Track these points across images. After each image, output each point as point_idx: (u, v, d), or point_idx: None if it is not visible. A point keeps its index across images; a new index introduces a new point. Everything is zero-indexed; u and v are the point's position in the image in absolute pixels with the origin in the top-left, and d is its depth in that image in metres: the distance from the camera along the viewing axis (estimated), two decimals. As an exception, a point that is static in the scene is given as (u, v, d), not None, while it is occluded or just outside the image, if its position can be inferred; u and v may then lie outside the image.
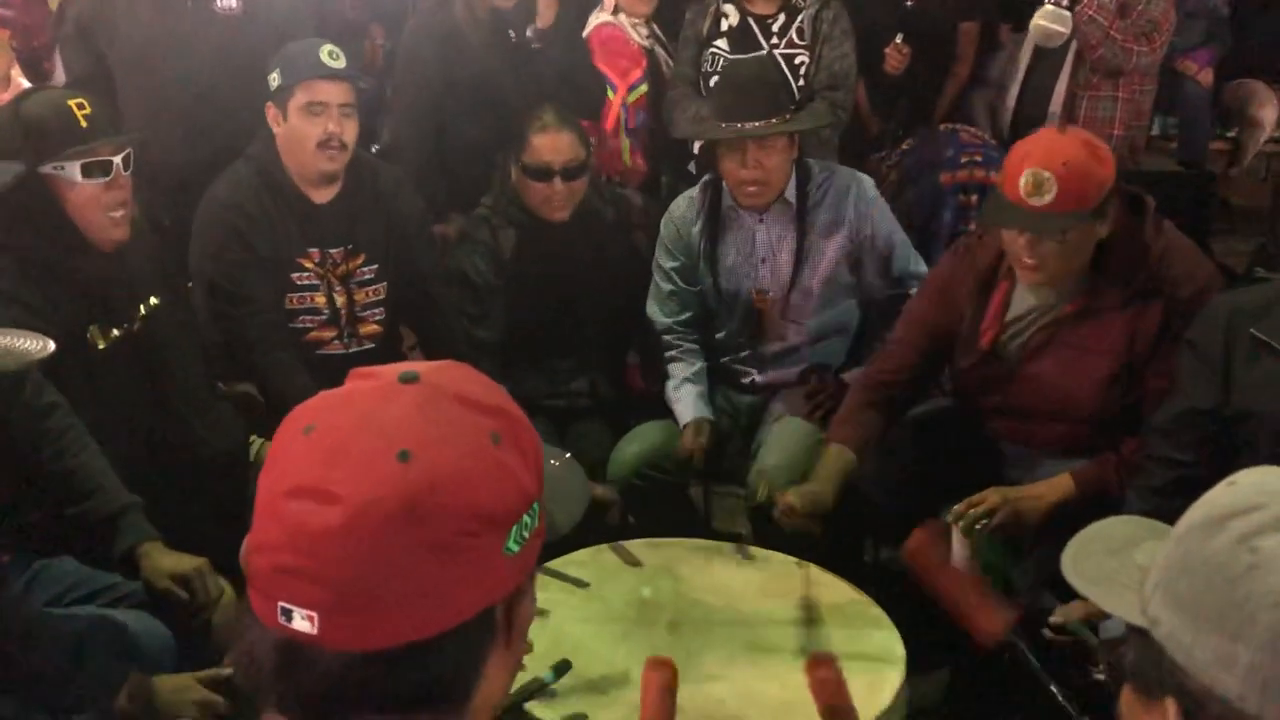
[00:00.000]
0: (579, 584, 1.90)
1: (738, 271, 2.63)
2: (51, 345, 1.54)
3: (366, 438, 0.70)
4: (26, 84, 3.31)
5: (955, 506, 2.10)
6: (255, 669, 0.72)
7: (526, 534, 0.74)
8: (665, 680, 1.24)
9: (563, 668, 1.59)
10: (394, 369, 0.76)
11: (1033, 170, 1.99)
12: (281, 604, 0.69)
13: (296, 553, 0.69)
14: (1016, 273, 2.16)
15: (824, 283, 2.60)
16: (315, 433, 0.71)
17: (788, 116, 2.50)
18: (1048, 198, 1.98)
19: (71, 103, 1.99)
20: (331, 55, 2.40)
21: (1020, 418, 2.27)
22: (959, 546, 2.12)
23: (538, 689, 1.57)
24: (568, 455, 1.99)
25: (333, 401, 0.74)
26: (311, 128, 2.40)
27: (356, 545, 0.68)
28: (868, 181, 2.65)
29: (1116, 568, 0.84)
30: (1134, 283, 2.09)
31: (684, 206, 2.67)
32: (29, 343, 1.54)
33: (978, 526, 2.07)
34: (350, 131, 2.44)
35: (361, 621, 0.69)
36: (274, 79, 2.42)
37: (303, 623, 0.69)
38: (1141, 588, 0.80)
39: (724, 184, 2.60)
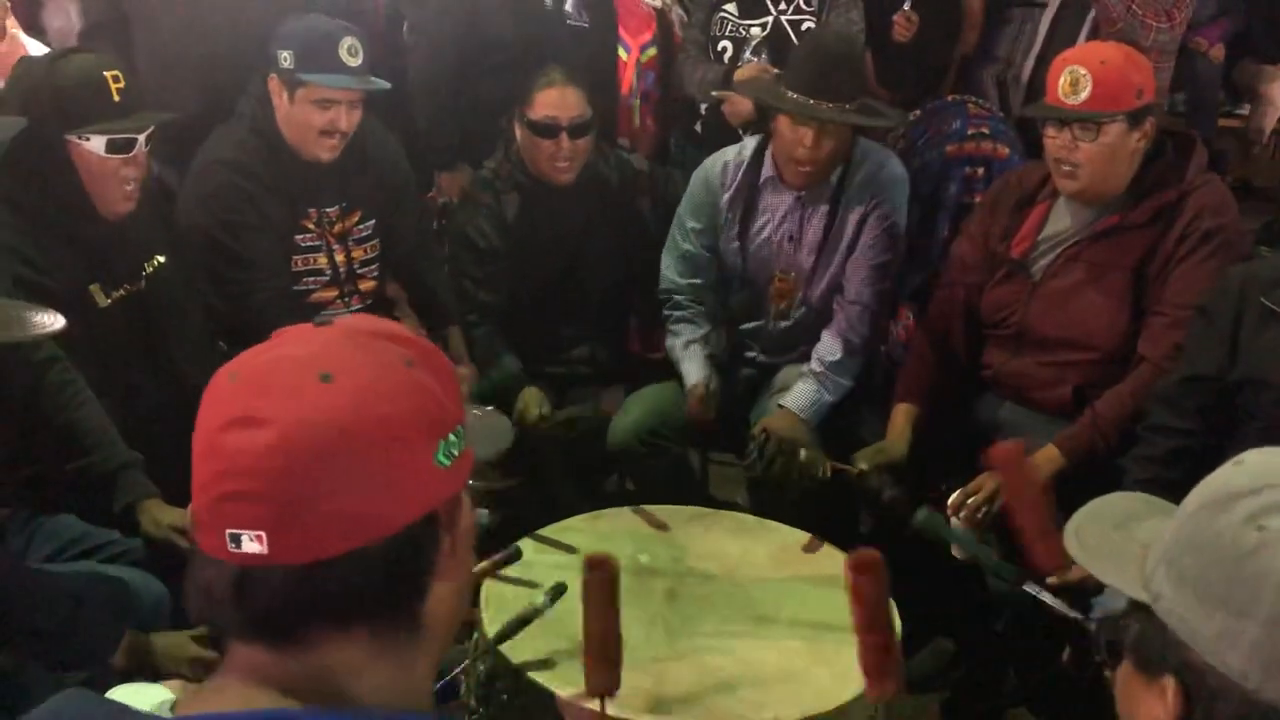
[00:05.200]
0: (569, 550, 1.90)
1: (764, 247, 2.58)
2: (62, 321, 1.55)
3: (288, 368, 0.74)
4: (23, 35, 3.27)
5: (953, 497, 2.11)
6: (213, 602, 0.74)
7: (455, 452, 0.78)
8: (608, 575, 1.27)
9: (559, 590, 1.61)
10: (309, 323, 0.83)
11: (1070, 69, 2.11)
12: (229, 531, 0.72)
13: (236, 477, 0.72)
14: (1057, 184, 2.22)
15: (844, 266, 2.55)
16: (239, 377, 0.75)
17: (862, 102, 2.40)
18: (1083, 95, 2.09)
19: (107, 74, 1.97)
20: (351, 52, 2.32)
21: (1031, 349, 2.28)
22: (961, 535, 2.12)
23: (533, 614, 1.60)
24: (489, 408, 2.04)
25: (254, 351, 0.79)
26: (318, 119, 2.36)
27: (293, 459, 0.71)
28: (895, 162, 2.59)
29: (1119, 542, 0.84)
30: (1163, 200, 2.14)
31: (719, 169, 2.58)
32: (41, 316, 1.55)
33: (979, 515, 2.08)
34: (354, 122, 2.40)
35: (307, 532, 0.72)
36: (285, 59, 2.34)
37: (252, 544, 0.71)
38: (1143, 562, 0.79)
39: (766, 155, 2.52)
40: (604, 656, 1.33)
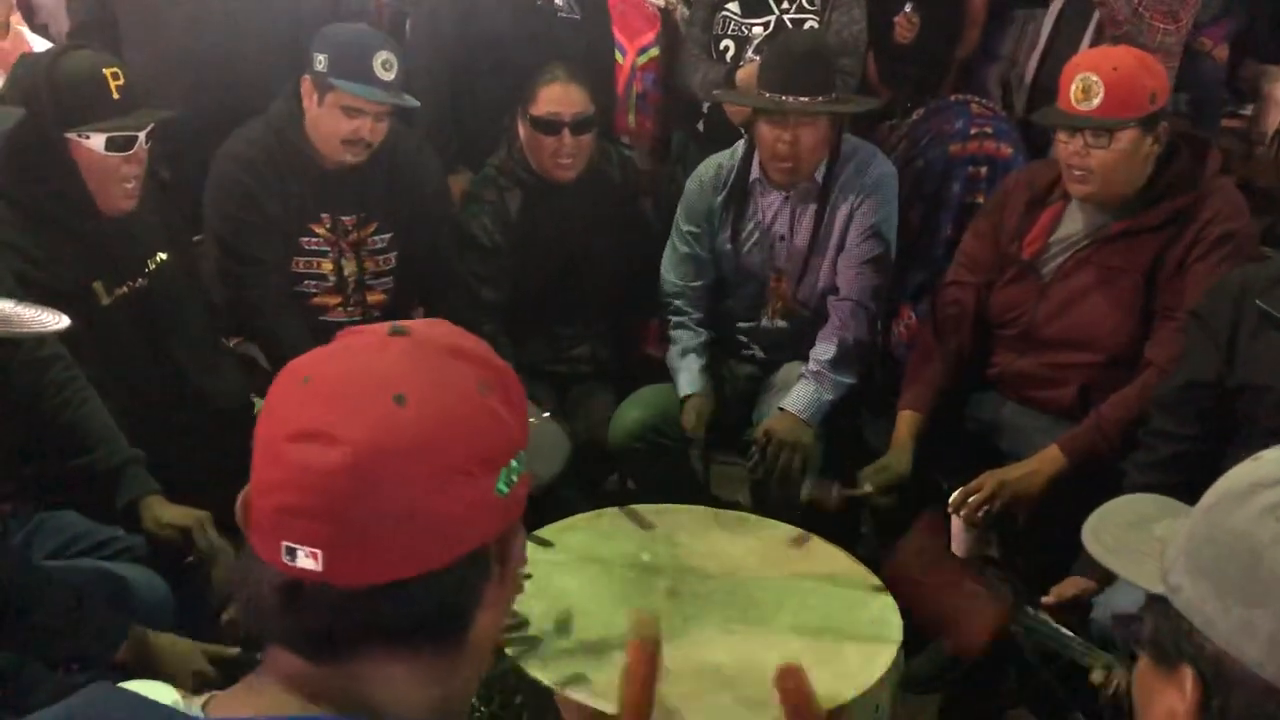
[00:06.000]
0: (544, 544, 1.90)
1: (756, 247, 2.60)
2: (66, 320, 1.55)
3: (362, 383, 0.73)
4: (27, 31, 3.28)
5: (953, 496, 2.11)
6: (260, 608, 0.74)
7: (514, 478, 0.77)
8: (651, 646, 1.26)
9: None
10: (384, 325, 0.78)
11: (1082, 75, 2.09)
12: (286, 544, 0.71)
13: (300, 492, 0.71)
14: (1068, 187, 2.20)
15: (836, 264, 2.56)
16: (312, 382, 0.74)
17: (834, 95, 2.44)
18: (1095, 102, 2.07)
19: (107, 71, 1.97)
20: (385, 66, 2.33)
21: (1038, 350, 2.28)
22: (961, 535, 2.13)
23: (537, 645, 1.60)
24: (546, 414, 1.99)
25: (328, 354, 0.77)
26: (344, 125, 2.37)
27: (358, 483, 0.70)
28: (881, 159, 2.60)
29: (1136, 539, 0.84)
30: (1177, 205, 2.13)
31: (712, 172, 2.61)
32: (46, 315, 1.55)
33: (979, 515, 2.08)
34: (380, 133, 2.40)
35: (364, 557, 0.71)
36: (320, 61, 2.35)
37: (307, 560, 0.71)
38: (1162, 557, 0.80)
39: (755, 155, 2.55)
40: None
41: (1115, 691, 1.63)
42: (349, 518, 0.70)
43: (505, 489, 0.76)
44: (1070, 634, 1.76)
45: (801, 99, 2.39)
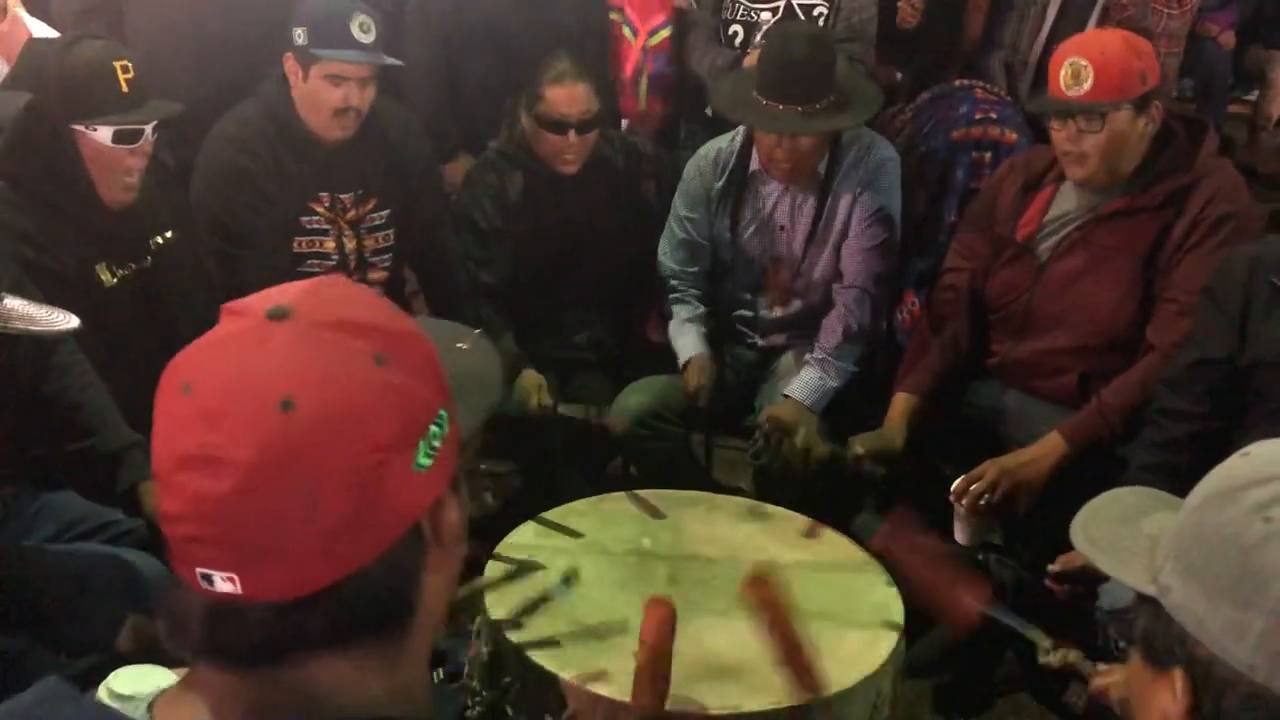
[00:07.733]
0: (574, 534, 1.90)
1: (755, 236, 2.59)
2: (76, 321, 1.55)
3: (244, 392, 0.67)
4: (25, 15, 3.26)
5: (955, 484, 2.11)
6: (185, 632, 0.70)
7: (437, 444, 0.71)
8: (665, 615, 1.27)
9: (570, 578, 1.63)
10: (262, 302, 0.72)
11: (1070, 61, 2.08)
12: (200, 570, 0.68)
13: (199, 522, 0.67)
14: (1066, 171, 2.20)
15: (838, 253, 2.55)
16: (193, 391, 0.68)
17: (832, 99, 2.39)
18: (1085, 86, 2.06)
19: (117, 64, 1.97)
20: (363, 28, 2.35)
21: (1037, 334, 2.27)
22: (963, 523, 2.12)
23: (542, 600, 1.62)
24: (477, 332, 1.86)
25: (206, 352, 0.71)
26: (330, 95, 2.38)
27: (255, 505, 0.66)
28: (882, 144, 2.58)
29: (1126, 535, 0.84)
30: (1173, 185, 2.12)
31: (712, 158, 2.60)
32: (57, 315, 1.56)
33: (981, 503, 2.08)
34: (367, 99, 2.42)
35: (282, 573, 0.67)
36: (299, 35, 2.37)
37: (225, 585, 0.67)
38: (1151, 556, 0.79)
39: (754, 146, 2.53)
40: (658, 688, 1.34)
41: (1064, 666, 1.63)
42: (253, 540, 0.66)
43: (427, 460, 0.70)
44: (1026, 623, 1.75)
45: (800, 110, 2.35)
